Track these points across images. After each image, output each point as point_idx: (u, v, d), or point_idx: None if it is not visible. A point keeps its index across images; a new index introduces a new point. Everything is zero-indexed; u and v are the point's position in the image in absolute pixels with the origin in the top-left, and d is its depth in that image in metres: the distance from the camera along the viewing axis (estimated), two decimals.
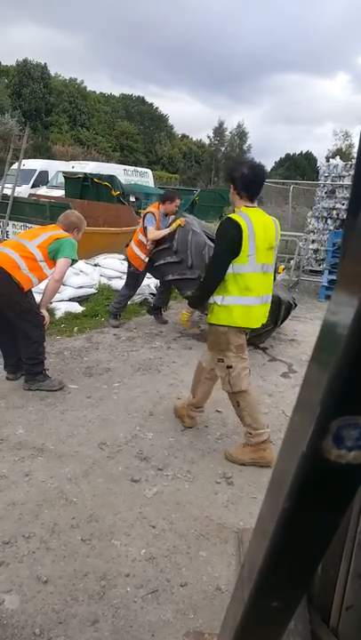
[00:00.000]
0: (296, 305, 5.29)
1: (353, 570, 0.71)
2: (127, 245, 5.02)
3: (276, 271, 2.76)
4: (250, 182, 2.50)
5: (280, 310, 4.62)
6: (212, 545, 2.08)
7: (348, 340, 0.23)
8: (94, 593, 1.79)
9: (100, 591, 1.80)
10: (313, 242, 9.29)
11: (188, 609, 1.76)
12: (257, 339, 4.73)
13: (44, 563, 1.91)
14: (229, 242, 2.43)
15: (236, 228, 2.39)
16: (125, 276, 5.10)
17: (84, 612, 1.70)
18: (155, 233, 4.57)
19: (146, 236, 4.64)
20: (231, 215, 2.48)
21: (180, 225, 4.54)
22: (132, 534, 2.10)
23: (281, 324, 4.95)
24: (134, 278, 4.95)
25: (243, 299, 2.49)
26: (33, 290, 3.29)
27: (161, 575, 1.90)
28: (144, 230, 4.67)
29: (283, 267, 8.67)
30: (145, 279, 5.21)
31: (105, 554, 1.98)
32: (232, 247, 2.42)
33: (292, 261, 8.56)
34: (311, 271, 9.13)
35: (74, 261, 3.36)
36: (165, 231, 4.57)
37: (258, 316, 2.58)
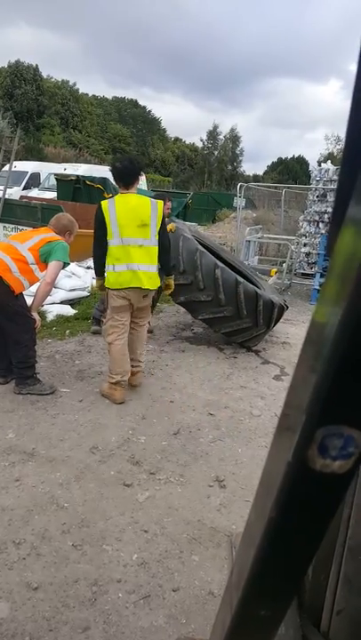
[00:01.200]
0: (288, 307, 5.31)
1: (343, 574, 0.71)
2: None
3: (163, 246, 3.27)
4: (121, 173, 3.14)
5: (273, 313, 4.64)
6: (205, 549, 2.08)
7: (331, 348, 0.23)
8: (85, 599, 1.77)
9: (91, 597, 1.78)
10: (305, 245, 9.36)
11: (181, 614, 1.75)
12: (250, 341, 4.75)
13: (35, 569, 1.88)
14: (97, 221, 3.11)
15: (99, 211, 3.09)
16: None
17: (75, 618, 1.69)
18: None
19: None
20: (101, 202, 3.15)
21: (170, 230, 4.53)
22: (124, 539, 2.08)
23: (273, 326, 4.97)
24: None
25: (114, 266, 3.11)
26: (24, 293, 3.27)
27: (153, 580, 1.89)
28: None
29: (275, 270, 8.72)
30: None
31: (96, 559, 1.96)
32: (99, 225, 3.10)
33: (284, 264, 8.60)
34: (303, 274, 9.19)
35: (66, 264, 3.34)
36: None
37: (126, 280, 3.11)
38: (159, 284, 3.34)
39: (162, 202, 3.28)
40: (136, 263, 3.10)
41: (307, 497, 0.27)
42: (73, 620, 1.68)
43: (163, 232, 3.25)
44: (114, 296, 3.17)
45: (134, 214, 3.09)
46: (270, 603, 0.36)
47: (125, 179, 3.14)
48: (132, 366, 3.46)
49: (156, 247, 3.20)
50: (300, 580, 0.32)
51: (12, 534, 2.05)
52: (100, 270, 3.24)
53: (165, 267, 3.43)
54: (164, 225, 3.25)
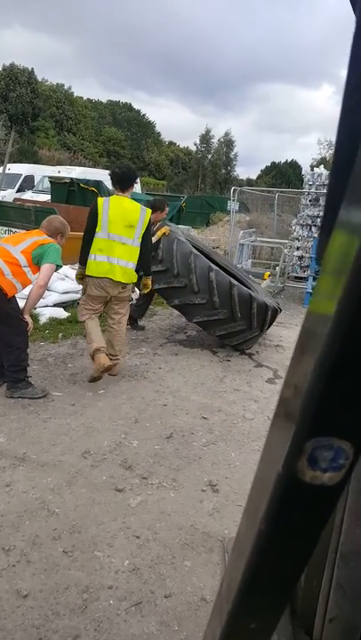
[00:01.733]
0: (281, 310, 5.33)
1: (335, 581, 0.70)
2: None
3: (143, 245, 3.60)
4: (120, 178, 3.55)
5: (266, 316, 4.65)
6: (197, 554, 2.06)
7: (321, 360, 0.22)
8: (76, 607, 1.74)
9: (81, 605, 1.75)
10: (298, 249, 9.41)
11: (173, 621, 1.73)
12: (244, 344, 4.75)
13: (24, 576, 1.86)
14: (90, 214, 3.47)
15: (94, 206, 3.48)
16: None
17: (66, 626, 1.66)
18: None
19: None
20: (98, 198, 3.57)
21: (164, 234, 4.53)
22: (116, 545, 2.06)
23: (267, 329, 4.98)
24: None
25: (95, 256, 3.46)
26: (17, 295, 3.24)
27: (145, 586, 1.87)
28: None
29: (268, 273, 8.76)
30: None
31: (87, 566, 1.93)
32: (91, 217, 3.45)
33: (277, 268, 8.64)
34: (296, 277, 9.23)
35: (58, 267, 3.33)
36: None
37: (104, 270, 3.46)
38: (134, 280, 3.64)
39: (150, 210, 3.65)
40: (116, 257, 3.47)
41: (297, 509, 0.26)
42: (63, 628, 1.65)
43: (147, 236, 3.60)
44: (91, 285, 3.54)
45: (124, 215, 3.47)
46: (261, 615, 0.35)
47: (123, 183, 3.55)
48: (111, 359, 3.62)
49: (138, 248, 3.54)
50: (291, 592, 0.31)
51: (2, 541, 2.02)
52: (83, 259, 3.52)
53: (145, 267, 3.73)
54: (148, 230, 3.61)
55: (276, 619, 0.37)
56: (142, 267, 3.65)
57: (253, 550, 0.28)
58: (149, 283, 3.87)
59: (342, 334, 0.22)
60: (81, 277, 3.64)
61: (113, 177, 3.56)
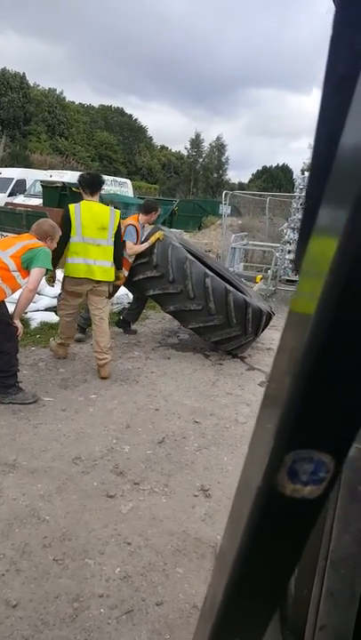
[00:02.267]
0: (274, 314, 5.34)
1: (326, 588, 0.69)
2: None
3: (120, 245, 3.99)
4: (90, 183, 3.81)
5: (261, 320, 4.65)
6: (189, 561, 2.04)
7: (299, 372, 0.21)
8: (66, 616, 1.72)
9: (72, 614, 1.73)
10: (289, 252, 9.46)
11: (164, 629, 1.71)
12: (238, 349, 4.75)
13: (14, 586, 1.82)
14: (63, 221, 3.71)
15: (67, 212, 3.75)
16: None
17: (56, 637, 1.63)
18: (135, 248, 4.48)
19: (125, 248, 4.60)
20: (69, 205, 3.81)
21: (158, 239, 4.51)
22: (107, 552, 2.04)
23: (261, 333, 4.98)
24: None
25: (72, 259, 3.74)
26: (6, 300, 3.21)
27: (136, 594, 1.84)
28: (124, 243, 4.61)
29: (260, 276, 8.79)
30: (121, 288, 5.12)
31: (78, 574, 1.91)
32: (65, 224, 3.68)
33: (269, 271, 8.68)
34: (288, 281, 9.27)
35: (48, 271, 3.31)
36: (145, 245, 4.49)
37: (81, 270, 3.74)
38: (112, 278, 3.90)
39: (119, 211, 3.95)
40: (92, 259, 3.74)
41: (278, 522, 0.25)
42: (53, 638, 1.62)
43: (118, 236, 3.91)
44: (69, 283, 3.83)
45: (96, 218, 3.75)
46: (245, 628, 0.34)
47: (92, 187, 3.83)
48: (99, 359, 3.87)
49: (112, 247, 3.82)
50: (274, 606, 0.31)
51: None
52: (55, 263, 3.67)
53: (117, 263, 3.98)
54: (119, 230, 3.92)
55: (262, 631, 0.36)
56: (115, 262, 3.93)
57: (236, 564, 0.27)
58: (122, 275, 4.20)
59: (320, 343, 0.21)
60: (52, 279, 3.96)
61: (82, 182, 3.84)
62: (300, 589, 0.77)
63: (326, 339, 0.21)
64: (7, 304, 3.25)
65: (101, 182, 3.91)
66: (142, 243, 4.55)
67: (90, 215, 3.73)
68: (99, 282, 3.81)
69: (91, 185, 3.82)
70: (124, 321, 5.21)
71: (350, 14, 0.31)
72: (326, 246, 0.22)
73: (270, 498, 0.24)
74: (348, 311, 0.21)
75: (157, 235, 4.54)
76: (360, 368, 0.22)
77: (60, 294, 4.30)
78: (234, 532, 0.28)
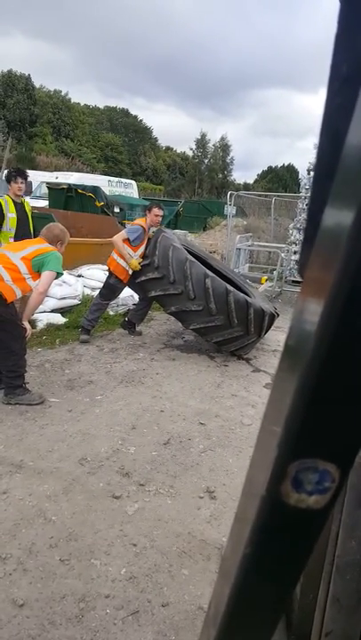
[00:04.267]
0: (279, 315, 5.33)
1: (332, 594, 0.69)
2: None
3: None
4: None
5: (263, 321, 4.64)
6: (195, 562, 2.04)
7: (304, 376, 0.21)
8: (72, 616, 1.72)
9: (78, 614, 1.74)
10: (295, 253, 9.43)
11: (170, 630, 1.71)
12: (241, 350, 4.74)
13: (21, 585, 1.84)
14: None
15: None
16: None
17: (62, 636, 1.64)
18: (120, 243, 4.61)
19: (132, 248, 4.64)
20: None
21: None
22: (113, 553, 2.04)
23: (264, 334, 4.97)
24: (112, 290, 4.84)
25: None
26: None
27: (142, 595, 1.85)
28: (129, 242, 4.65)
29: (266, 277, 8.77)
30: (126, 289, 5.15)
31: (84, 574, 1.92)
32: None
33: (274, 272, 8.65)
34: (293, 282, 9.24)
35: (59, 274, 3.32)
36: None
37: None
38: None
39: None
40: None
41: (282, 533, 0.25)
42: (59, 638, 1.63)
43: None
44: None
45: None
46: (249, 638, 0.34)
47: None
48: None
49: None
50: (279, 616, 0.31)
51: None
52: None
53: None
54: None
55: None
56: None
57: (238, 574, 0.27)
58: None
59: (327, 349, 0.22)
60: None
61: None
62: (305, 595, 0.77)
63: (333, 346, 0.21)
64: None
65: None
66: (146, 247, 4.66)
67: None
68: None
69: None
70: (130, 322, 5.22)
71: (356, 14, 0.31)
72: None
73: (274, 508, 0.24)
74: (354, 318, 0.21)
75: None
76: None
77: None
78: (236, 541, 0.29)
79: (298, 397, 0.22)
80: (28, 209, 4.72)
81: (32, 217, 4.80)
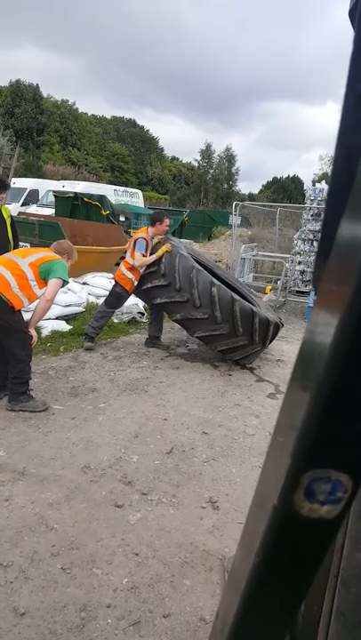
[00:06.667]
0: (283, 325, 5.32)
1: (336, 607, 0.69)
2: (117, 264, 5.02)
3: None
4: None
5: (268, 330, 4.64)
6: (197, 573, 2.03)
7: (318, 389, 0.22)
8: (73, 626, 1.71)
9: (79, 624, 1.72)
10: (299, 263, 9.45)
11: None
12: (246, 359, 4.74)
13: (22, 593, 1.83)
14: None
15: None
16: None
17: None
18: (142, 260, 4.55)
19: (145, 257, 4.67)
20: None
21: (167, 251, 4.57)
22: (115, 562, 2.03)
23: (269, 344, 4.97)
24: (117, 298, 4.85)
25: None
26: (22, 309, 3.26)
27: (143, 605, 1.84)
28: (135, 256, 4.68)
29: (270, 287, 8.78)
30: (131, 297, 5.17)
31: (85, 583, 1.90)
32: None
33: (279, 282, 8.66)
34: (298, 292, 9.25)
35: (65, 283, 3.34)
36: (153, 257, 4.57)
37: None
38: None
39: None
40: None
41: (293, 542, 0.26)
42: None
43: None
44: None
45: None
46: None
47: None
48: None
49: None
50: (288, 626, 0.31)
51: (0, 556, 1.99)
52: None
53: None
54: None
55: None
56: None
57: (249, 584, 0.27)
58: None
59: (341, 363, 0.22)
60: None
61: None
62: (310, 608, 0.76)
63: (348, 358, 0.22)
64: (23, 313, 3.30)
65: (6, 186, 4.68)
66: (151, 254, 4.61)
67: None
68: None
69: None
70: (153, 337, 5.23)
71: None
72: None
73: (286, 517, 0.25)
74: None
75: (165, 247, 4.58)
76: None
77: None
78: (247, 550, 0.29)
79: (312, 408, 0.23)
80: (5, 215, 4.70)
81: (12, 222, 4.77)
